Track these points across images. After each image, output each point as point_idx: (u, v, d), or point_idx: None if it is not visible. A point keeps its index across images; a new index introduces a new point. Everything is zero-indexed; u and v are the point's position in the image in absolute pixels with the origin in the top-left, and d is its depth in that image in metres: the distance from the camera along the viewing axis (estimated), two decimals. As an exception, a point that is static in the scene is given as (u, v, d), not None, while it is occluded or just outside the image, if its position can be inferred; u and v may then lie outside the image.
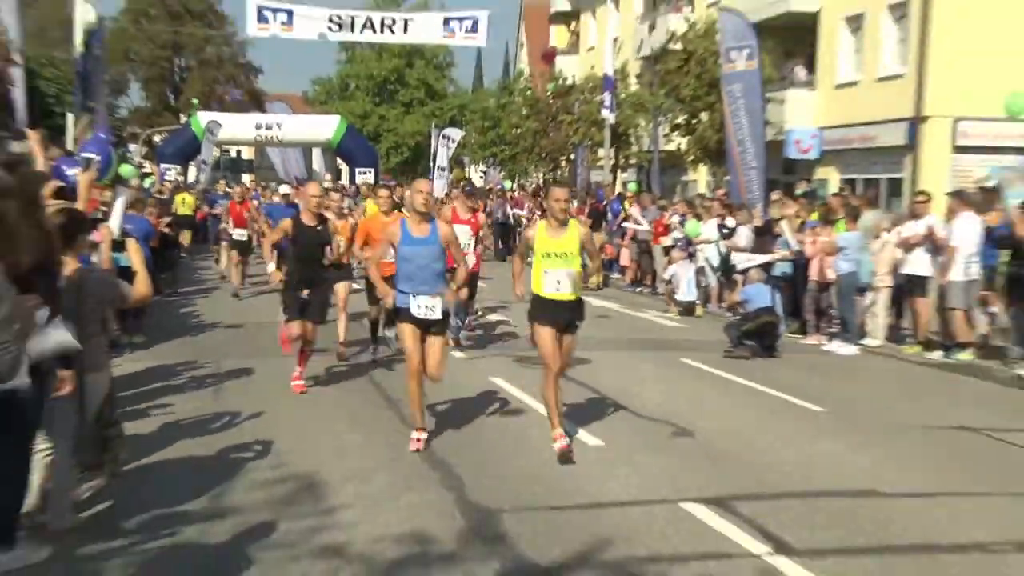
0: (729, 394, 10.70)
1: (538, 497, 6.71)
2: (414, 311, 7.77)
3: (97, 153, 8.62)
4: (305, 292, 9.71)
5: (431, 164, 41.72)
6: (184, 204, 24.11)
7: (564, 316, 7.81)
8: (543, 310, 7.84)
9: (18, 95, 16.20)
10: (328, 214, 10.58)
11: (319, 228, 9.86)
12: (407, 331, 7.86)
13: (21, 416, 4.40)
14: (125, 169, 10.09)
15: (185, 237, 23.15)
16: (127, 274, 6.52)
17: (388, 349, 11.67)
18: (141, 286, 6.31)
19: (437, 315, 7.88)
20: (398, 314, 8.05)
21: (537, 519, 6.28)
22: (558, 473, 7.34)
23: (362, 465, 7.33)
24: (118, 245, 8.31)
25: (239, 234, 18.55)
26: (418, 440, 7.78)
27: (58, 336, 4.90)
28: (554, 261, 7.73)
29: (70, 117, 19.57)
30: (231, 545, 5.67)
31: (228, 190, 31.19)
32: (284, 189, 20.73)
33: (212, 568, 5.38)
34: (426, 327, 7.86)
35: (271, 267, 10.75)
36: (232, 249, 18.92)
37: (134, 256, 6.50)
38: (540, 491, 6.85)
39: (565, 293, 7.72)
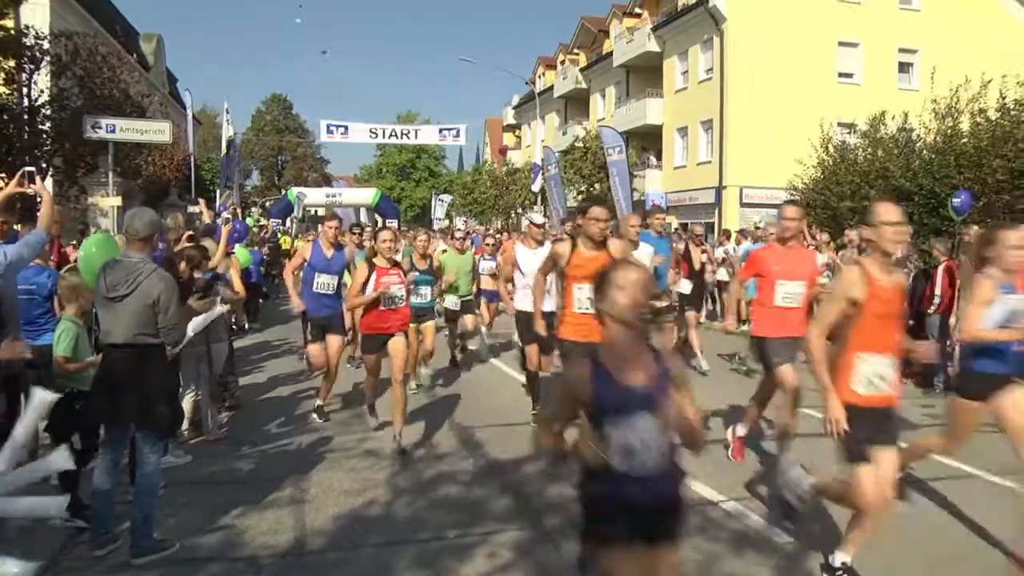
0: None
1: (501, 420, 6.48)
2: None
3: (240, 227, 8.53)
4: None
5: (432, 217, 41.51)
6: (284, 242, 23.63)
7: None
8: None
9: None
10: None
11: None
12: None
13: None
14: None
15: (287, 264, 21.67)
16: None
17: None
18: (237, 287, 6.29)
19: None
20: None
21: (497, 432, 6.12)
22: (507, 405, 7.00)
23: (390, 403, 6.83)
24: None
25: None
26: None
27: (196, 323, 5.09)
28: None
29: (218, 192, 19.64)
30: (308, 448, 5.67)
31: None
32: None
33: (296, 461, 5.31)
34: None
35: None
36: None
37: (233, 269, 6.38)
38: (501, 418, 6.54)
39: None
